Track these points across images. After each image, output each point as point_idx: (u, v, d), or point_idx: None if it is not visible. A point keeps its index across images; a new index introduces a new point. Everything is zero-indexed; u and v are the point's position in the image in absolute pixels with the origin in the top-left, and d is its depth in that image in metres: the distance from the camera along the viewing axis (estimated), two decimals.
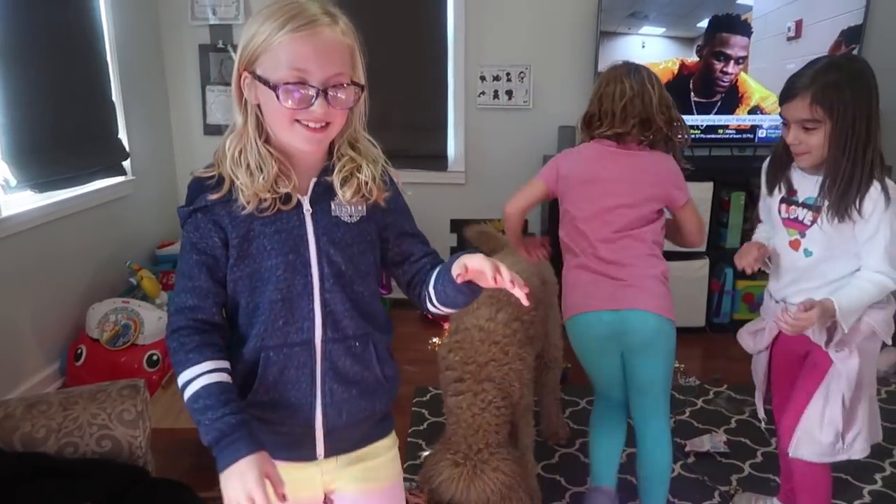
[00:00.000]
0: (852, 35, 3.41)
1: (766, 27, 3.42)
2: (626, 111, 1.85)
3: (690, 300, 3.37)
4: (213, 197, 1.06)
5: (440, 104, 3.78)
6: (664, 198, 1.89)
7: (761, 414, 2.00)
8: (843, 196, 1.61)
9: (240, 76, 1.06)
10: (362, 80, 1.08)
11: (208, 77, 3.73)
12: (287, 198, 1.08)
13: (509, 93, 3.73)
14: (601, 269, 1.86)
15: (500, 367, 1.88)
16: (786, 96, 1.68)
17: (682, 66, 3.47)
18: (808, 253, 1.73)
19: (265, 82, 1.02)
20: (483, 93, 3.71)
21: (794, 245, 1.75)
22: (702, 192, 3.28)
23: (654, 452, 1.92)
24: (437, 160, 3.83)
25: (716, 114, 3.51)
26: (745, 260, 1.78)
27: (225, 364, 1.06)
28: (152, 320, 2.79)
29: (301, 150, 1.08)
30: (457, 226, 3.80)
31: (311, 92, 1.01)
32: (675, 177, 1.91)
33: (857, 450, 1.76)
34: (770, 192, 1.82)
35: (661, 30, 3.45)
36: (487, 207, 3.70)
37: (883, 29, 3.47)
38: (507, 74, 3.70)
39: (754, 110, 3.51)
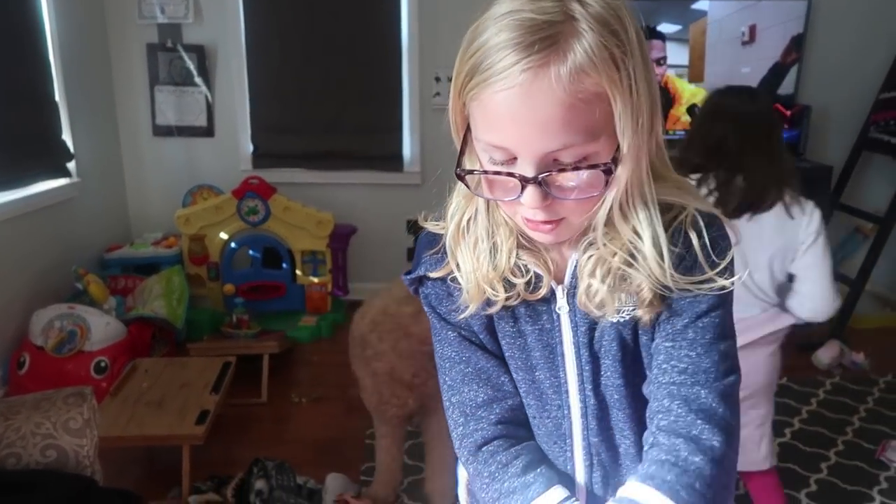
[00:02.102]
0: (799, 42, 3.52)
1: (721, 32, 3.51)
2: None
3: None
4: (435, 275, 0.77)
5: (395, 105, 3.77)
6: None
7: None
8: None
9: (460, 109, 0.69)
10: (621, 137, 0.65)
11: (157, 77, 3.64)
12: (535, 285, 0.74)
13: None
14: None
15: None
16: None
17: None
18: None
19: (470, 143, 0.69)
20: (438, 93, 3.71)
21: None
22: None
23: None
24: (392, 161, 3.82)
25: None
26: None
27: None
28: (100, 326, 2.71)
29: None
30: (414, 227, 3.79)
31: (513, 183, 0.66)
32: None
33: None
34: None
35: None
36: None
37: (824, 37, 3.59)
38: None
39: (691, 109, 3.59)
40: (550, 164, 0.65)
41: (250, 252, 3.60)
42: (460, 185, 0.74)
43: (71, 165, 3.27)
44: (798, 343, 3.25)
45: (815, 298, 1.65)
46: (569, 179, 0.65)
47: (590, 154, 0.64)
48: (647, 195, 0.70)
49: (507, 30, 0.62)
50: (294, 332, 3.29)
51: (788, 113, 3.55)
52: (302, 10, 3.60)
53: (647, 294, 0.71)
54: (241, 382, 2.68)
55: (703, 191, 1.61)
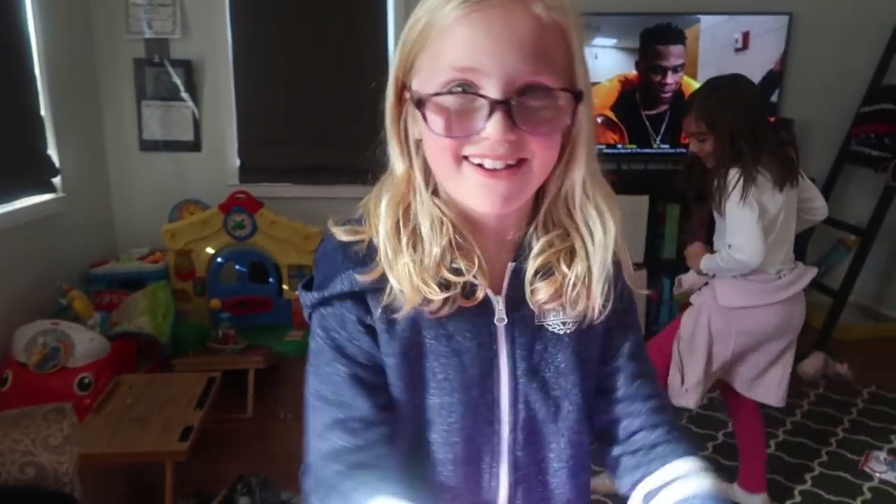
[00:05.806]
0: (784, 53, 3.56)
1: (715, 38, 3.52)
2: None
3: None
4: (364, 279, 0.69)
5: (383, 119, 3.78)
6: None
7: None
8: (715, 192, 1.94)
9: (398, 94, 0.71)
10: (579, 84, 0.66)
11: (144, 92, 3.64)
12: (471, 291, 0.70)
13: None
14: None
15: None
16: (683, 113, 2.02)
17: (626, 81, 3.55)
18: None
19: (416, 100, 0.67)
20: None
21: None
22: (637, 206, 3.38)
23: None
24: (382, 175, 3.82)
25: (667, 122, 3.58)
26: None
27: None
28: (84, 342, 2.69)
29: (479, 211, 0.69)
30: None
31: (481, 104, 0.63)
32: None
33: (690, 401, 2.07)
34: None
35: (612, 41, 3.52)
36: None
37: (806, 51, 3.65)
38: None
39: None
40: (516, 94, 0.64)
41: (237, 267, 3.59)
42: (390, 176, 0.76)
43: (56, 180, 3.25)
44: None
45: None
46: (538, 101, 0.64)
47: (555, 85, 0.65)
48: (594, 188, 0.72)
49: None
50: (280, 346, 3.28)
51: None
52: (289, 25, 3.62)
53: (585, 291, 0.72)
54: (227, 398, 2.66)
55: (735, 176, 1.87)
